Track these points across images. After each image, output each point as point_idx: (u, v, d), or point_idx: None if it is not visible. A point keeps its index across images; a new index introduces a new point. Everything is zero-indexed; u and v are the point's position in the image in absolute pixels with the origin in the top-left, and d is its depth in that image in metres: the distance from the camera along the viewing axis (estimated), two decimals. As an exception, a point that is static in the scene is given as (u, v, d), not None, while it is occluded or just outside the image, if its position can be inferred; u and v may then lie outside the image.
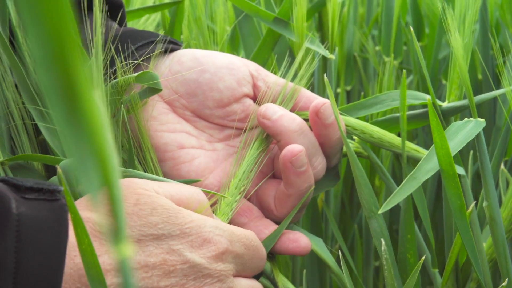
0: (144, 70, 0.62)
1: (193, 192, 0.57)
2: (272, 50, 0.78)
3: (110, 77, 0.63)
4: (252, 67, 0.67)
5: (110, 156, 0.24)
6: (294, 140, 0.63)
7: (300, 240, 0.64)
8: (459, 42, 0.63)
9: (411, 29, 0.72)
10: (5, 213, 0.47)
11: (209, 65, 0.65)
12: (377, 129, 0.68)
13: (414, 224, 0.66)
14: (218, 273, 0.53)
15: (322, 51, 0.75)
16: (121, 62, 0.63)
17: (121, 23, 0.72)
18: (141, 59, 0.64)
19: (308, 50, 0.71)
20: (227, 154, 0.67)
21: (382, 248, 0.62)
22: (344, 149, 0.69)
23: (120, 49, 0.64)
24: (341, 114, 0.67)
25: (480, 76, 0.94)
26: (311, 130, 0.65)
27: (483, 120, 0.63)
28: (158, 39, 0.65)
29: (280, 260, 0.84)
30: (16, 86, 0.61)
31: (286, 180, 0.63)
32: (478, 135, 0.63)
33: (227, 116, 0.66)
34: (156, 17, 0.99)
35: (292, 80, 0.67)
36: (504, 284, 0.62)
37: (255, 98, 0.67)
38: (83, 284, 0.49)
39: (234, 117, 0.66)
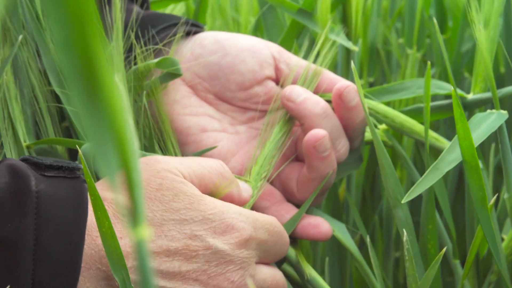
0: (165, 55, 0.62)
1: (214, 165, 0.57)
2: (295, 41, 0.78)
3: (132, 61, 0.63)
4: (275, 49, 0.66)
5: (129, 139, 0.25)
6: (318, 123, 0.63)
7: (321, 225, 0.63)
8: (483, 35, 0.63)
9: (435, 21, 0.71)
10: (24, 190, 0.47)
11: (231, 48, 0.65)
12: (399, 114, 0.68)
13: (436, 214, 0.66)
14: (240, 260, 0.54)
15: (346, 42, 0.75)
16: (141, 47, 0.63)
17: (143, 5, 0.72)
18: (162, 43, 0.64)
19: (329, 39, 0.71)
20: (250, 136, 0.67)
21: (404, 238, 0.62)
22: (367, 136, 0.69)
23: (141, 33, 0.64)
24: (365, 96, 0.67)
25: (502, 69, 0.93)
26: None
27: (506, 112, 0.63)
28: (180, 21, 0.65)
29: (302, 248, 0.84)
30: (40, 71, 0.61)
31: (309, 164, 0.63)
32: (500, 127, 0.63)
33: (249, 98, 0.66)
34: (181, 8, 0.99)
35: (313, 63, 0.67)
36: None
37: (278, 80, 0.66)
38: (104, 265, 0.49)
39: (256, 99, 0.66)
